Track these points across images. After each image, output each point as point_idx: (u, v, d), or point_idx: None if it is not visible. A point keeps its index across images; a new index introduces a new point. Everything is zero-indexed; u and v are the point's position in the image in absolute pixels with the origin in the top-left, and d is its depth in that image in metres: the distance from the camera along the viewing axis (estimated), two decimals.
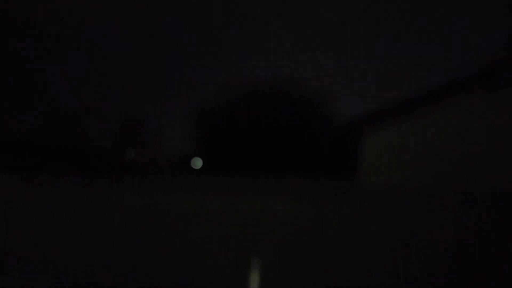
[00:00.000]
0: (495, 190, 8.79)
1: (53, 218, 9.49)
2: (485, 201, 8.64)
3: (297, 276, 8.79)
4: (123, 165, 24.90)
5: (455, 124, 10.08)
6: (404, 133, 10.22)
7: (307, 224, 8.93)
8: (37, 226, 9.52)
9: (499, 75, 10.01)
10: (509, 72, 9.98)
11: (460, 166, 9.83)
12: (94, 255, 9.28)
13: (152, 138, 28.41)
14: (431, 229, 8.67)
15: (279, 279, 8.66)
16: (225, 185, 9.25)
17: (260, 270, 2.82)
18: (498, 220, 8.57)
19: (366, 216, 8.84)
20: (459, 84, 10.19)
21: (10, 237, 9.60)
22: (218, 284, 8.75)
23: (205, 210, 9.14)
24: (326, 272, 8.75)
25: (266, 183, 9.21)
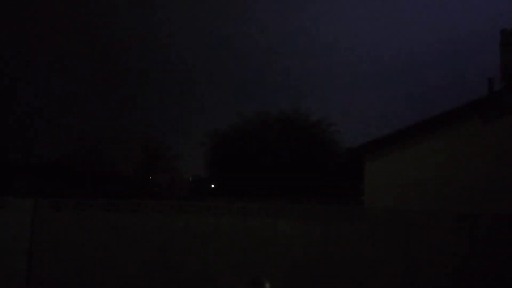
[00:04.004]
0: (494, 212, 8.69)
1: (78, 240, 9.49)
2: (484, 223, 8.55)
3: None
4: (144, 189, 24.93)
5: (453, 150, 10.08)
6: (405, 159, 10.19)
7: (315, 245, 8.88)
8: (62, 247, 9.53)
9: (495, 105, 10.04)
10: (504, 102, 10.00)
11: (458, 189, 9.80)
12: (116, 274, 9.29)
13: (170, 163, 28.50)
14: (432, 250, 8.62)
15: None
16: (237, 207, 9.14)
17: None
18: (497, 242, 8.49)
19: (371, 238, 8.78)
20: (457, 113, 10.19)
21: (36, 258, 9.62)
22: None
23: (219, 232, 9.13)
24: None
25: (276, 206, 9.12)
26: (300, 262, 8.89)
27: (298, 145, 20.00)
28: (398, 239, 8.75)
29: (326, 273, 8.80)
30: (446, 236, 8.66)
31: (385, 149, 10.40)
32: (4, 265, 9.68)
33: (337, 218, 8.96)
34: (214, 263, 9.07)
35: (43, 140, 23.71)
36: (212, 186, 25.79)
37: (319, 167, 19.24)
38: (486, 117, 10.00)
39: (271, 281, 8.78)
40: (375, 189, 10.24)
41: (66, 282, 9.39)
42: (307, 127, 20.97)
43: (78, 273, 9.40)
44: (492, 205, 9.26)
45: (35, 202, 9.85)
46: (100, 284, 9.30)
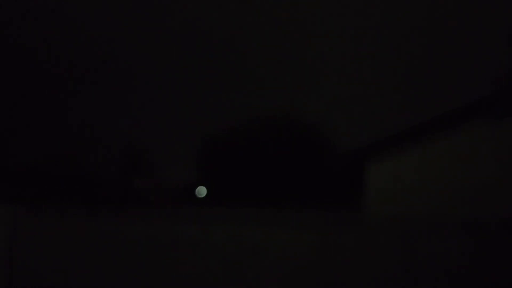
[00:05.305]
0: (499, 218, 8.58)
1: (58, 248, 9.36)
2: (488, 229, 8.48)
3: None
4: (128, 195, 24.72)
5: (459, 152, 9.85)
6: (407, 162, 9.98)
7: (312, 254, 8.72)
8: (41, 256, 9.41)
9: (502, 104, 9.82)
10: (509, 101, 9.78)
11: (464, 194, 9.61)
12: (99, 284, 9.15)
13: (156, 167, 28.26)
14: (435, 258, 8.50)
15: None
16: (228, 215, 9.01)
17: None
18: (503, 249, 8.38)
19: (371, 246, 8.64)
20: (463, 112, 9.97)
21: (14, 267, 9.46)
22: None
23: (208, 241, 8.95)
24: None
25: (270, 213, 8.96)
26: (295, 272, 8.70)
27: (297, 147, 19.97)
28: (399, 247, 8.60)
29: (324, 284, 8.62)
30: (449, 243, 8.52)
31: (387, 151, 10.16)
32: None
33: (334, 226, 8.79)
34: (204, 275, 8.87)
35: (22, 142, 23.46)
36: (204, 190, 25.59)
37: (317, 171, 19.21)
38: (492, 117, 9.77)
39: None
40: (376, 193, 10.02)
41: None
42: (305, 128, 20.94)
43: (60, 283, 9.27)
44: (498, 210, 9.20)
45: (14, 209, 9.71)
46: None
